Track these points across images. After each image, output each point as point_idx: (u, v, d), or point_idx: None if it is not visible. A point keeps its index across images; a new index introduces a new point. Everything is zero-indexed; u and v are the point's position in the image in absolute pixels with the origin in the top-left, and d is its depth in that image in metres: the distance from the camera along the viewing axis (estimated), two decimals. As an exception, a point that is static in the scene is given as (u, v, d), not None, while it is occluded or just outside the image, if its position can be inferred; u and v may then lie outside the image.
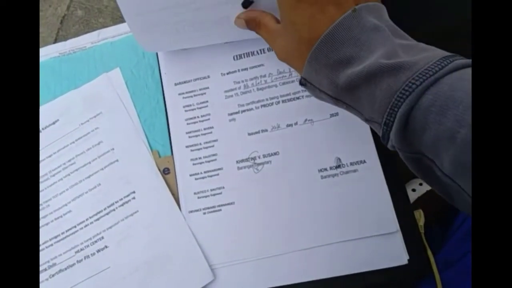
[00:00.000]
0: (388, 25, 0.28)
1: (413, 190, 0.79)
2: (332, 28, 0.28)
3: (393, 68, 0.25)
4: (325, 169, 0.41)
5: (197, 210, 0.42)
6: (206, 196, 0.42)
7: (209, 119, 0.44)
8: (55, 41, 0.54)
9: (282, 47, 0.33)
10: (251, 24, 0.36)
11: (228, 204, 0.41)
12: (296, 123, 0.43)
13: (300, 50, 0.30)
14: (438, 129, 0.23)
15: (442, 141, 0.23)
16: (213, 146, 0.43)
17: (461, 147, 0.22)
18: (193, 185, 0.43)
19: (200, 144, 0.44)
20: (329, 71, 0.28)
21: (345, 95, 0.28)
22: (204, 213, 0.42)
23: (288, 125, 0.43)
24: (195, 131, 0.44)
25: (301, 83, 0.32)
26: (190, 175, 0.43)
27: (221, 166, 0.43)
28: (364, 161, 0.41)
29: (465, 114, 0.22)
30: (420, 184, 0.80)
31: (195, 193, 0.42)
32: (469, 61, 0.25)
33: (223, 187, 0.42)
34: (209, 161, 0.43)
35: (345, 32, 0.28)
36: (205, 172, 0.43)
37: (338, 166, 0.41)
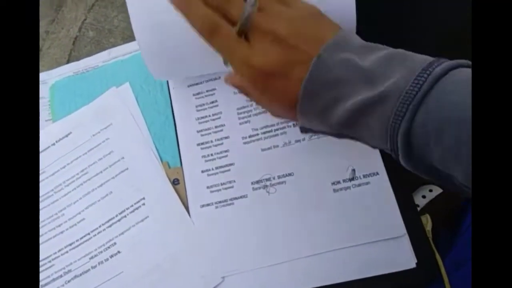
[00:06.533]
0: (355, 48, 0.28)
1: (423, 196, 0.79)
2: (305, 84, 0.28)
3: (375, 102, 0.26)
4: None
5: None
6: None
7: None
8: (68, 62, 0.56)
9: (271, 112, 0.34)
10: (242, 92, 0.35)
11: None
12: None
13: (286, 111, 0.31)
14: (439, 151, 0.24)
15: (448, 162, 0.24)
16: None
17: (468, 164, 0.22)
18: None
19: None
20: (320, 118, 0.29)
21: (343, 131, 0.29)
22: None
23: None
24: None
25: (302, 131, 0.33)
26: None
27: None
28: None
29: (461, 132, 0.22)
30: (430, 191, 0.79)
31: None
32: (446, 64, 0.25)
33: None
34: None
35: (319, 80, 0.28)
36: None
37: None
